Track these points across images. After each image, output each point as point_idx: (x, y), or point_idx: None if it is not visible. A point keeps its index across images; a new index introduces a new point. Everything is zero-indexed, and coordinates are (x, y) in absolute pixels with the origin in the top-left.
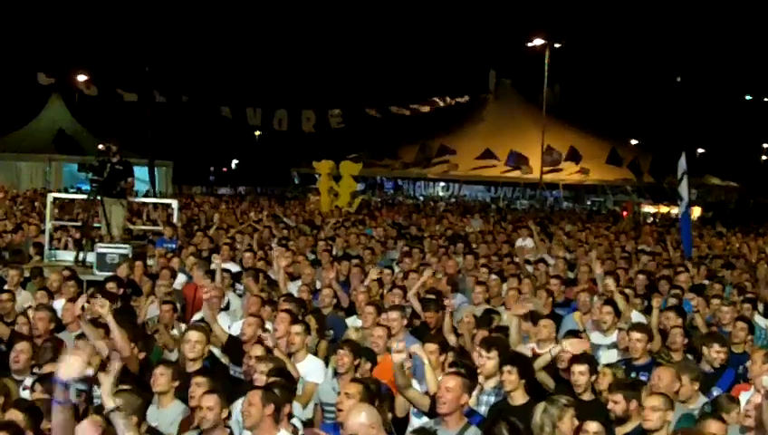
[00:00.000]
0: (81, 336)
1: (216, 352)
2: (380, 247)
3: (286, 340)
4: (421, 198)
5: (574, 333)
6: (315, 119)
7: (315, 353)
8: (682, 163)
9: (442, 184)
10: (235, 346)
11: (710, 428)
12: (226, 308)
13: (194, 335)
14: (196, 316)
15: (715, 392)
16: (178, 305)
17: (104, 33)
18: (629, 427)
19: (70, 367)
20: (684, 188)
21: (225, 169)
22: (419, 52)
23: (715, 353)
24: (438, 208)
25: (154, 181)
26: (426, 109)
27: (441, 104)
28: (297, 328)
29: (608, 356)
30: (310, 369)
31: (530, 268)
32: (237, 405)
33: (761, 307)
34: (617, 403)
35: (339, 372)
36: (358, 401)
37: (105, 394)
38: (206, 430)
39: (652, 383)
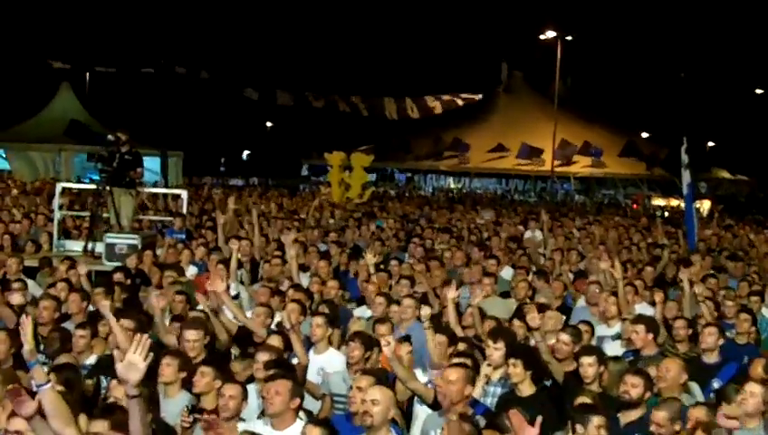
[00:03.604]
0: (81, 325)
1: None
2: (396, 242)
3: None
4: (430, 189)
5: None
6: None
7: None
8: (683, 156)
9: (453, 176)
10: (244, 336)
11: (698, 413)
12: (235, 298)
13: (191, 335)
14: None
15: (716, 384)
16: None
17: (121, 21)
18: (636, 415)
19: (133, 367)
20: (685, 181)
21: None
22: (432, 43)
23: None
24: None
25: (166, 171)
26: (438, 109)
27: (459, 102)
28: (319, 320)
29: (612, 347)
30: (332, 361)
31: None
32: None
33: None
34: (635, 386)
35: (350, 364)
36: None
37: (131, 381)
38: (224, 419)
39: (659, 375)
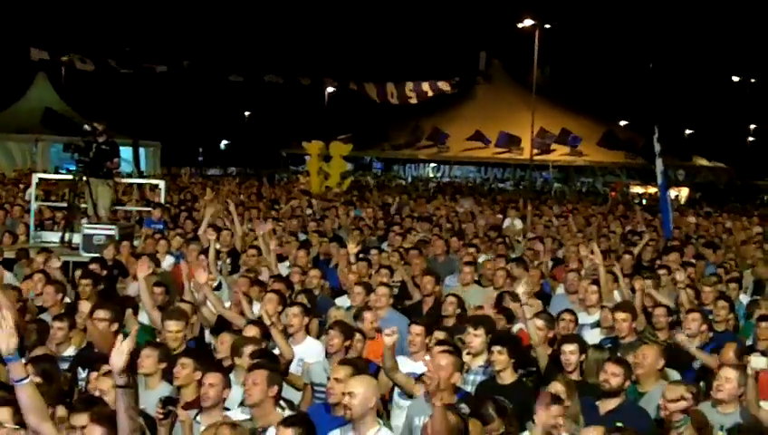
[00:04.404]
0: (59, 317)
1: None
2: (375, 231)
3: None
4: (409, 178)
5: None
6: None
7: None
8: (656, 145)
9: (432, 165)
10: (223, 327)
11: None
12: (218, 289)
13: (173, 325)
14: (186, 296)
15: (696, 365)
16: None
17: (97, 9)
18: (615, 403)
19: (118, 353)
20: (658, 170)
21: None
22: (410, 32)
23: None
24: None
25: (138, 161)
26: (414, 100)
27: (430, 93)
28: (295, 309)
29: (591, 335)
30: (309, 351)
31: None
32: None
33: (751, 285)
34: (616, 375)
35: (329, 353)
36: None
37: (117, 369)
38: (205, 409)
39: (636, 361)
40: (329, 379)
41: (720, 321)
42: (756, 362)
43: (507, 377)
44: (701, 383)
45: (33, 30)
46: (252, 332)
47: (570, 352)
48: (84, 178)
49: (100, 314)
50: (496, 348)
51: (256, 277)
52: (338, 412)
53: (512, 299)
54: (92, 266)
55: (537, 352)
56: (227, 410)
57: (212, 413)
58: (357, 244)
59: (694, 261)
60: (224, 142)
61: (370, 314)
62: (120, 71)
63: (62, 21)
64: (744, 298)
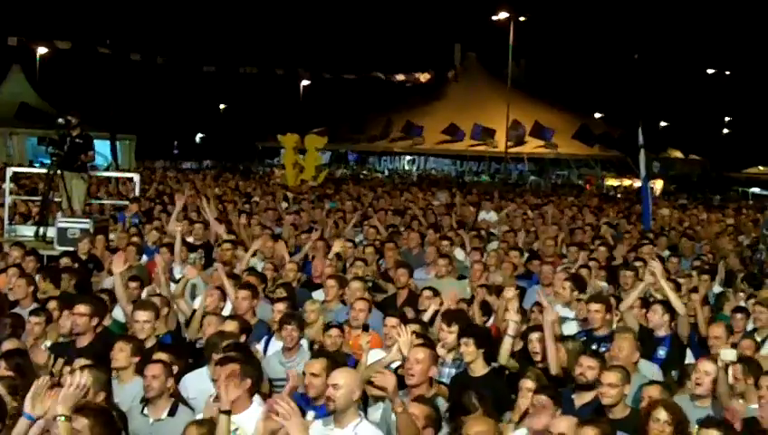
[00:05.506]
0: (35, 312)
1: None
2: (343, 224)
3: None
4: (386, 171)
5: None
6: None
7: None
8: (639, 137)
9: (408, 158)
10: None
11: (652, 392)
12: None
13: (141, 316)
14: (163, 290)
15: (662, 352)
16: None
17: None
18: (590, 396)
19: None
20: (642, 162)
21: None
22: (384, 25)
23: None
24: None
25: (116, 155)
26: (380, 76)
27: (407, 84)
28: (280, 306)
29: (570, 328)
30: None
31: (495, 243)
32: (199, 375)
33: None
34: (591, 368)
35: (287, 347)
36: (324, 377)
37: (62, 401)
38: (151, 399)
39: (612, 354)
40: (305, 373)
41: (694, 314)
42: (725, 354)
43: (478, 369)
44: (673, 373)
45: (7, 20)
46: (231, 326)
47: (536, 339)
48: (59, 172)
49: (81, 308)
50: (463, 340)
51: (231, 271)
52: (315, 405)
53: (488, 293)
54: (63, 261)
55: (503, 346)
56: (173, 398)
57: (157, 404)
58: (332, 236)
59: (668, 252)
60: (199, 136)
61: (362, 302)
62: (99, 50)
63: (36, 11)
64: (719, 290)
